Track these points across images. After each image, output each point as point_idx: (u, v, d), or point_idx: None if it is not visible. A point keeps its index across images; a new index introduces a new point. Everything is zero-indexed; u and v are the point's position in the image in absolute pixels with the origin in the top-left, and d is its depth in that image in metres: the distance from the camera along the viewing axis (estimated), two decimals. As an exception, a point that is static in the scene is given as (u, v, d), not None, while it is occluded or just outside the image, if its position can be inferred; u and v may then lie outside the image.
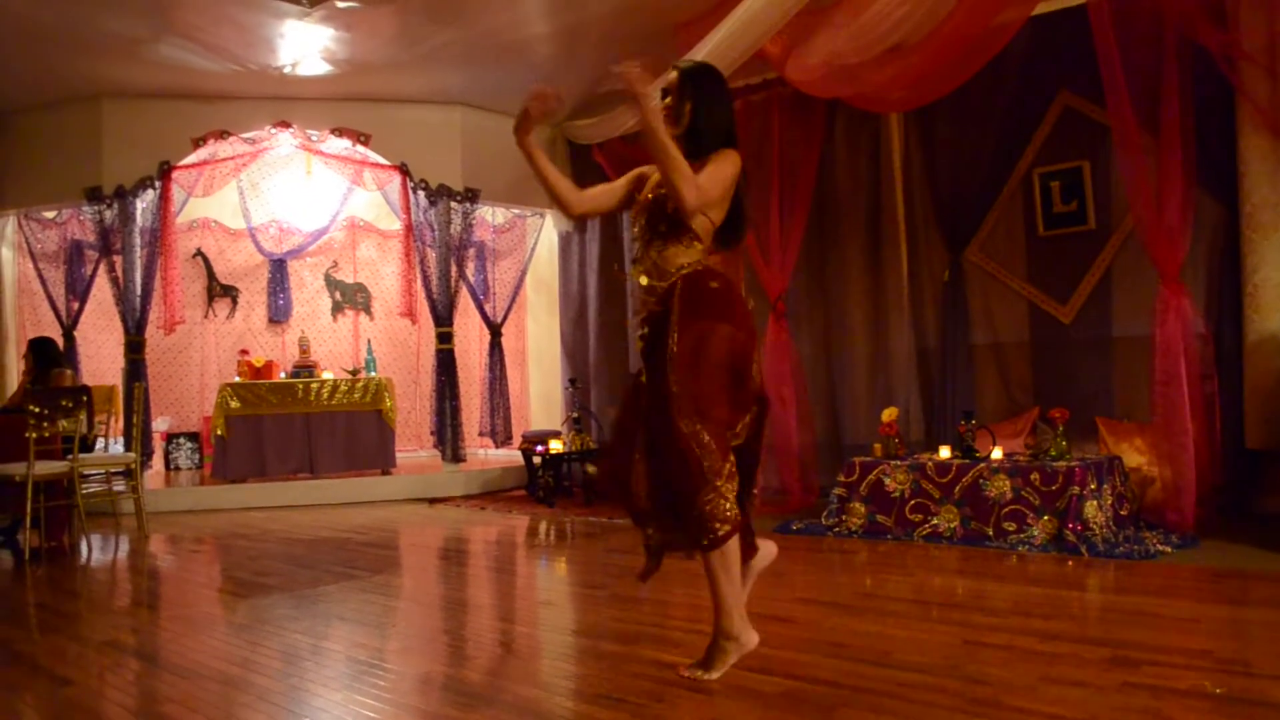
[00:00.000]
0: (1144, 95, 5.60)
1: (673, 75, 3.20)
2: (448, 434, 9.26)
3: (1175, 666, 3.07)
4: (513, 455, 9.53)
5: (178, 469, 10.05)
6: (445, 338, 9.27)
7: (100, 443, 7.79)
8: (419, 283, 9.35)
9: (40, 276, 9.41)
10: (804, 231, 7.36)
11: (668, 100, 3.18)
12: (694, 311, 3.02)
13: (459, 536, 6.75)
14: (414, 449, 10.90)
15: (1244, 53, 5.61)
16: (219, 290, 10.66)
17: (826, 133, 7.53)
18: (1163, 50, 5.60)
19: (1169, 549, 4.98)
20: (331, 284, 11.05)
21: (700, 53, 6.54)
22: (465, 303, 9.64)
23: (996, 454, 5.67)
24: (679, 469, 2.92)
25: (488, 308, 9.86)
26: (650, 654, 3.43)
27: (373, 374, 9.42)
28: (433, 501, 8.47)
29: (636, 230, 3.22)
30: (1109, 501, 5.35)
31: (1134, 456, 5.92)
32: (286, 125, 9.05)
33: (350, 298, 11.08)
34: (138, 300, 8.77)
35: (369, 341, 10.47)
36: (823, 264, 7.89)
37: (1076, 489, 5.16)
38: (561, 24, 7.48)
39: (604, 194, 3.44)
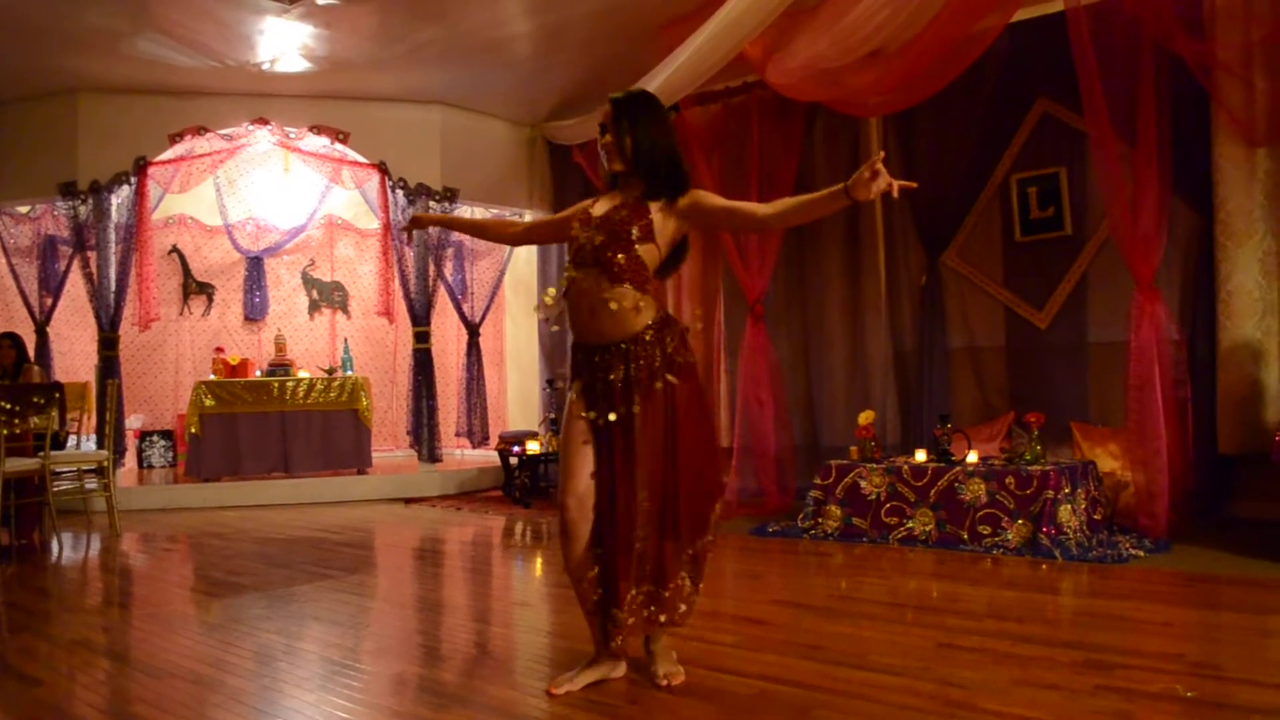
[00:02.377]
0: (1120, 103, 5.64)
1: (606, 107, 3.08)
2: (424, 434, 9.22)
3: (1147, 670, 3.09)
4: (489, 456, 9.50)
5: (151, 467, 9.96)
6: (422, 337, 9.24)
7: (72, 440, 7.72)
8: (396, 282, 9.31)
9: (13, 272, 9.30)
10: (782, 235, 7.37)
11: (606, 138, 3.07)
12: (689, 374, 3.09)
13: (435, 537, 6.72)
14: (390, 449, 10.85)
15: (1219, 62, 5.67)
16: (195, 287, 10.57)
17: (806, 136, 7.55)
18: (1139, 59, 5.66)
19: (1142, 553, 5.02)
20: (308, 282, 10.98)
21: (683, 55, 6.57)
22: (443, 302, 9.60)
23: (972, 458, 5.70)
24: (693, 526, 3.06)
25: (466, 308, 9.83)
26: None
27: (349, 373, 9.37)
28: (408, 501, 8.43)
29: (577, 254, 3.11)
30: (1083, 506, 5.38)
31: (1108, 461, 5.97)
32: (265, 122, 8.99)
33: (327, 296, 11.02)
34: (112, 297, 8.68)
35: (346, 340, 10.41)
36: (801, 267, 7.92)
37: (1051, 493, 5.19)
38: (542, 24, 7.46)
39: (548, 226, 3.53)
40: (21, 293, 9.27)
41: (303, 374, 9.20)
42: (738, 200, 3.07)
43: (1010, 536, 5.24)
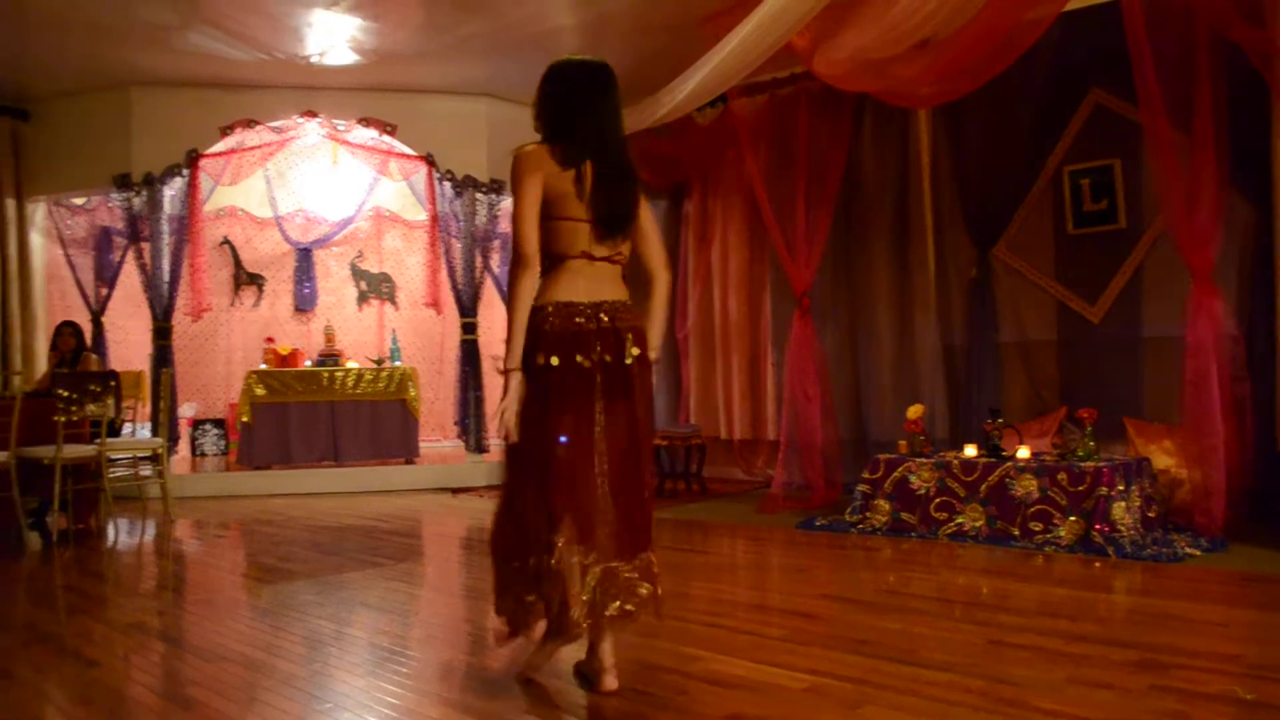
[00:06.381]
0: (1176, 93, 5.53)
1: None
2: (471, 424, 9.27)
3: (1204, 671, 3.04)
4: (535, 446, 9.53)
5: (203, 455, 10.11)
6: (469, 328, 9.28)
7: (127, 428, 7.86)
8: (444, 273, 9.36)
9: (70, 262, 9.50)
10: (830, 227, 7.32)
11: None
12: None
13: (481, 526, 6.75)
14: (437, 439, 10.93)
15: (1279, 50, 5.53)
16: (245, 278, 10.72)
17: (854, 128, 7.48)
18: (1196, 47, 5.54)
19: (1198, 552, 4.93)
20: (357, 274, 11.09)
21: (727, 46, 6.53)
22: (490, 294, 9.64)
23: (1023, 453, 5.62)
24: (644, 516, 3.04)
25: (512, 299, 9.84)
26: (670, 647, 3.42)
27: (397, 363, 9.46)
28: (455, 491, 8.49)
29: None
30: (1137, 503, 5.29)
31: (1163, 458, 5.86)
32: (313, 115, 9.08)
33: (375, 287, 11.12)
34: (165, 287, 8.82)
35: (393, 331, 10.50)
36: (849, 260, 7.86)
37: (1104, 490, 5.11)
38: (588, 15, 7.46)
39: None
40: (78, 283, 9.47)
41: (351, 364, 9.29)
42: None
43: (1062, 533, 5.17)
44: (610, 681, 2.96)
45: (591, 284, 3.03)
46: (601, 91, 3.14)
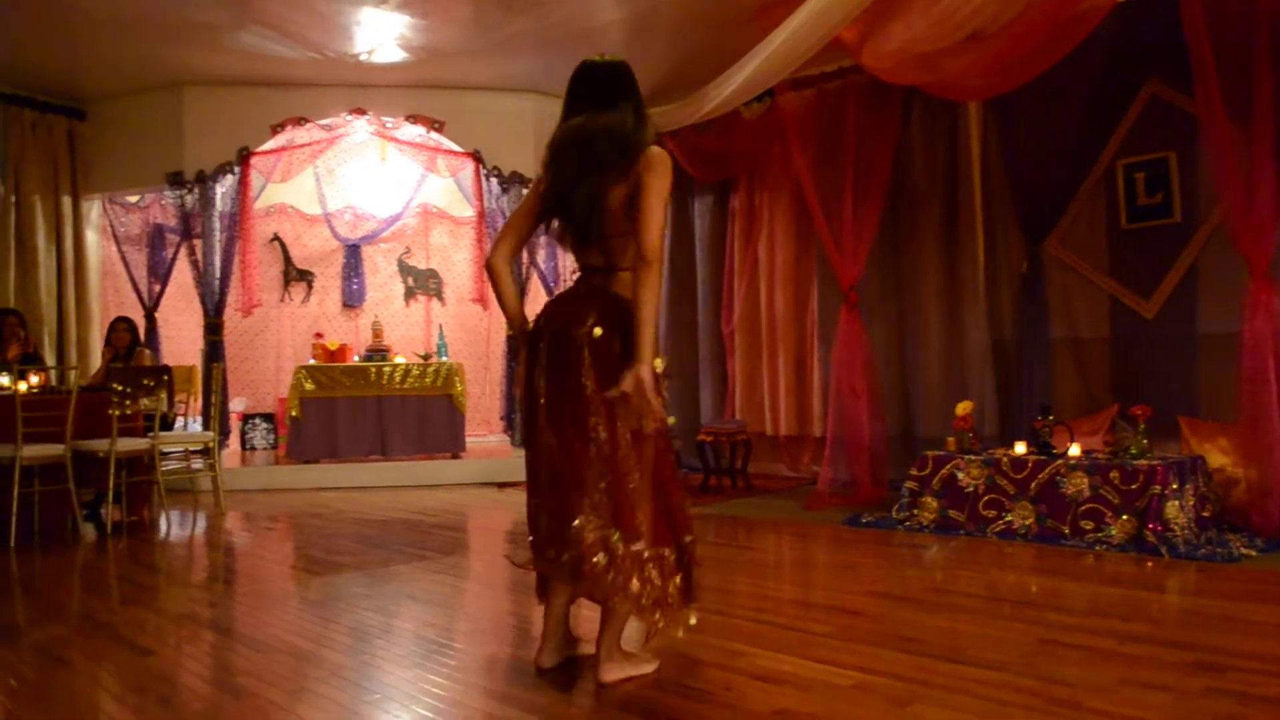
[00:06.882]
0: (1235, 85, 5.41)
1: None
2: (517, 419, 9.31)
3: (1262, 673, 2.97)
4: (580, 442, 9.55)
5: (253, 449, 10.24)
6: (515, 324, 9.31)
7: (179, 422, 7.99)
8: (490, 269, 9.40)
9: (123, 259, 9.67)
10: (878, 220, 7.25)
11: None
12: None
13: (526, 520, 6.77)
14: (483, 434, 10.99)
15: (1344, 40, 5.40)
16: (295, 274, 10.85)
17: (903, 121, 7.42)
18: (1255, 38, 5.42)
19: (1254, 552, 4.82)
20: (404, 270, 11.19)
21: (777, 39, 6.50)
22: (536, 289, 9.68)
23: (1074, 451, 5.54)
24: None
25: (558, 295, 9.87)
26: (717, 642, 3.41)
27: (444, 359, 9.52)
28: (501, 485, 8.52)
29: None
30: (1191, 502, 5.19)
31: (1218, 457, 5.75)
32: (362, 112, 9.16)
33: (422, 283, 11.20)
34: (216, 283, 8.95)
35: (440, 327, 10.57)
36: (897, 253, 7.79)
37: (1157, 488, 5.02)
38: (635, 10, 7.45)
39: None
40: (131, 279, 9.63)
41: (399, 359, 9.37)
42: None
43: (1114, 532, 5.09)
44: (605, 673, 3.00)
45: (581, 287, 3.13)
46: (578, 97, 3.12)
